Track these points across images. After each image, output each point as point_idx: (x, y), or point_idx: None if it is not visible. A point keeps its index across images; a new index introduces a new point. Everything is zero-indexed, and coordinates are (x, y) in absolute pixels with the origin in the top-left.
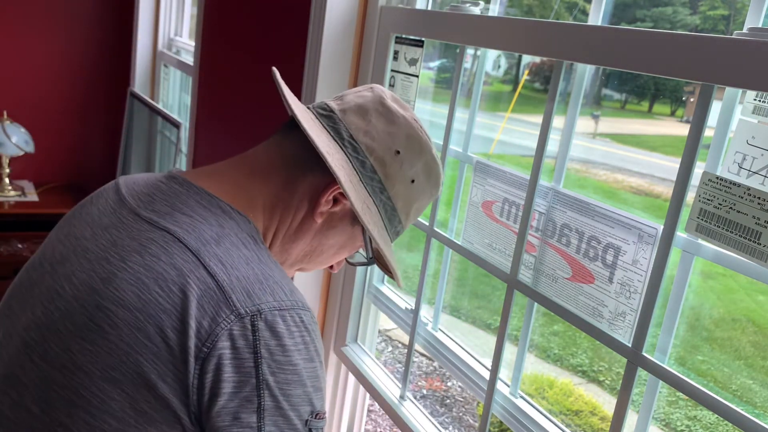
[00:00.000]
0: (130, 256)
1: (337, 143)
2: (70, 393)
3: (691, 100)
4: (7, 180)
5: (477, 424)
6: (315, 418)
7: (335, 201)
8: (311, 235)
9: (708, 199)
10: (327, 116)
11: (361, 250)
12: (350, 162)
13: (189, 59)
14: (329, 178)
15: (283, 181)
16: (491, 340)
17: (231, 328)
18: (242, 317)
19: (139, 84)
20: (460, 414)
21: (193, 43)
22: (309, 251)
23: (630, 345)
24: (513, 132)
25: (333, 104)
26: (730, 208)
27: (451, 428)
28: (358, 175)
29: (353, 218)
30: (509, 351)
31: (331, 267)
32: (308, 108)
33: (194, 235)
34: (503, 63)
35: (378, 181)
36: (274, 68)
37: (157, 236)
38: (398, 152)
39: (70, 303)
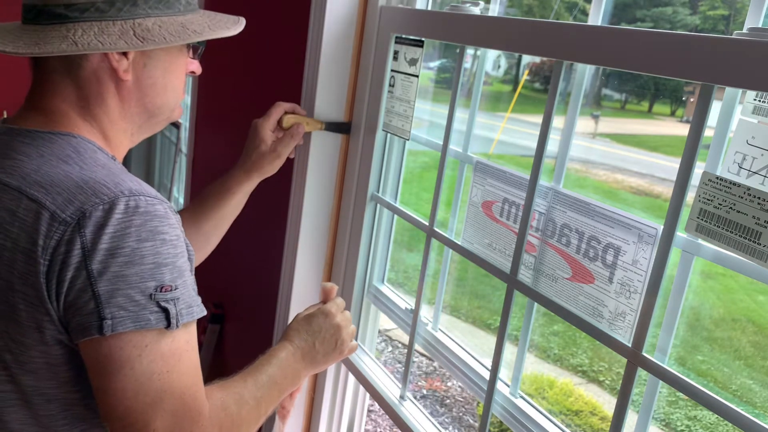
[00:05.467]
0: None
1: (65, 23)
2: None
3: (691, 100)
4: None
5: (477, 424)
6: (161, 292)
7: (124, 53)
8: (135, 89)
9: (708, 199)
10: (44, 14)
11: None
12: (83, 23)
13: None
14: (98, 54)
15: (73, 85)
16: (491, 340)
17: (62, 236)
18: (69, 223)
19: None
20: (460, 414)
21: None
22: (147, 99)
23: (630, 345)
24: (513, 132)
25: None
26: (730, 208)
27: (451, 428)
28: (102, 22)
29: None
30: (509, 351)
31: (192, 73)
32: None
33: (16, 175)
34: (503, 63)
35: (112, 5)
36: None
37: None
38: None
39: None
